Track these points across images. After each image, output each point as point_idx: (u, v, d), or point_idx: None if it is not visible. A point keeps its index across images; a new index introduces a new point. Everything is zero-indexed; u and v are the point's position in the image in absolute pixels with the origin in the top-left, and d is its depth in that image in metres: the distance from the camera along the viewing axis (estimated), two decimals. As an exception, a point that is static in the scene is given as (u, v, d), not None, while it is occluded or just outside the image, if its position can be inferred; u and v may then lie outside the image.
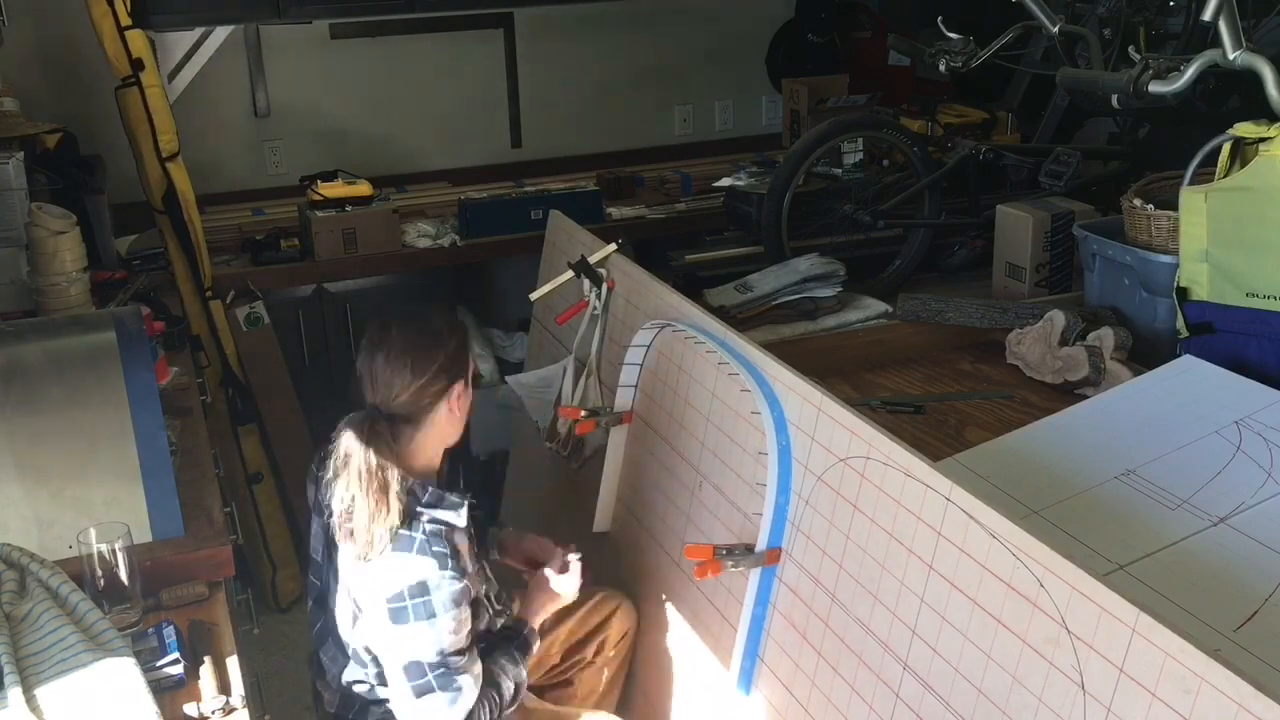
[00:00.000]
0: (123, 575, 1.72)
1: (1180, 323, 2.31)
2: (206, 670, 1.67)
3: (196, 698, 1.63)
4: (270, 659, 2.69)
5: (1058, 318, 2.47)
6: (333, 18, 3.93)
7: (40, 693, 1.49)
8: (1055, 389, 2.43)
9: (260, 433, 3.43)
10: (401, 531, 1.80)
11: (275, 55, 4.00)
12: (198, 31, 3.65)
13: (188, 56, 3.71)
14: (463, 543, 1.88)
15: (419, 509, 1.83)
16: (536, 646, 2.08)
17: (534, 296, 2.52)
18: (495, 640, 2.03)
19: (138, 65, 2.95)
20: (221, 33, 3.69)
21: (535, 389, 2.70)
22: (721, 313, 2.46)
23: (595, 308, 2.60)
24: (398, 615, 1.79)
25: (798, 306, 2.86)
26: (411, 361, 1.84)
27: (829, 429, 1.84)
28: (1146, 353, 2.41)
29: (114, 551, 1.71)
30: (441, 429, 1.91)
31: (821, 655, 1.79)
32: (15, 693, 1.47)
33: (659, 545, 2.32)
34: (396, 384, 1.84)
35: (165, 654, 1.65)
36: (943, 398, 2.44)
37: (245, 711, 1.62)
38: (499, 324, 4.01)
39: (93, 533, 1.71)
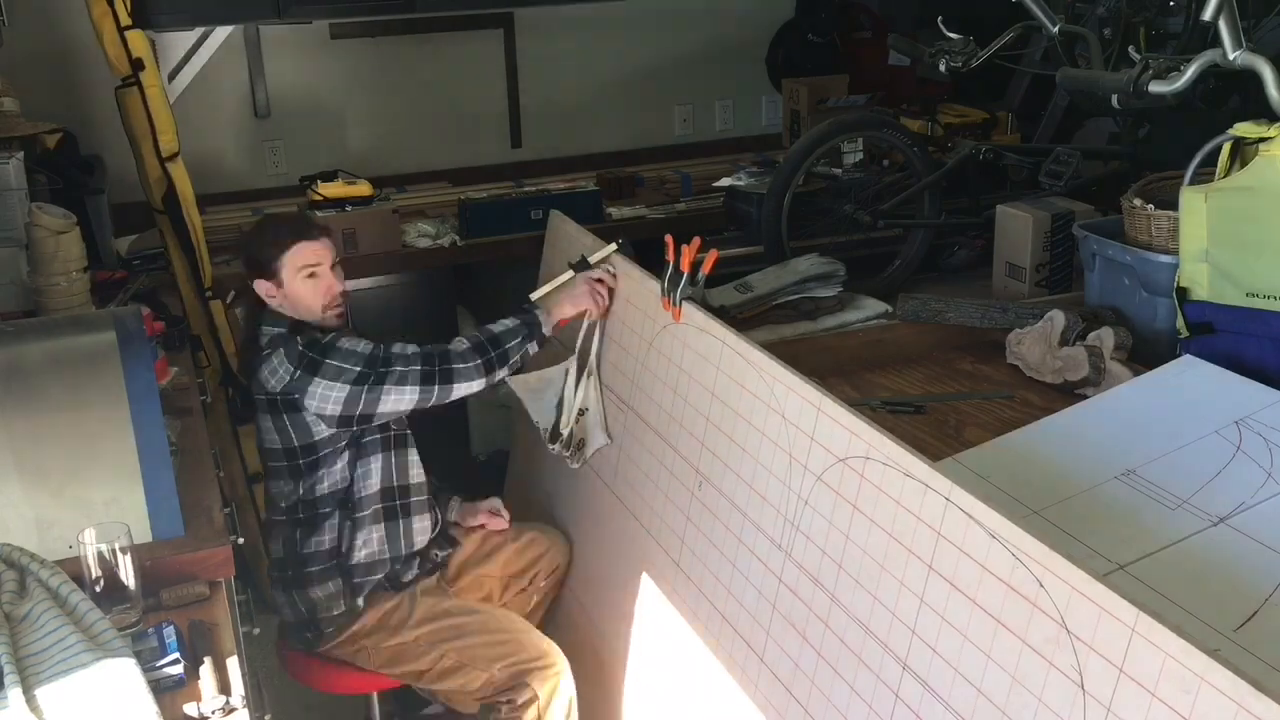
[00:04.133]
0: (123, 575, 1.72)
1: (1180, 323, 2.30)
2: (206, 670, 1.67)
3: (196, 698, 1.62)
4: (270, 659, 2.69)
5: (1058, 318, 2.47)
6: (333, 18, 3.92)
7: (40, 693, 1.48)
8: (1055, 389, 2.43)
9: (260, 433, 3.43)
10: (295, 331, 2.33)
11: (275, 55, 4.00)
12: (198, 31, 3.64)
13: (188, 56, 3.71)
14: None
15: (305, 328, 2.35)
16: (544, 319, 2.47)
17: (534, 296, 2.54)
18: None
19: (138, 65, 2.94)
20: (221, 33, 3.69)
21: (535, 389, 2.71)
22: (721, 313, 2.46)
23: None
24: (311, 368, 2.29)
25: (798, 306, 2.85)
26: (240, 243, 2.54)
27: (829, 429, 1.84)
28: (1146, 353, 2.41)
29: (114, 551, 1.71)
30: (275, 308, 2.38)
31: (821, 655, 1.79)
32: (15, 693, 1.46)
33: (658, 544, 2.32)
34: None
35: (165, 654, 1.65)
36: (943, 398, 2.44)
37: (245, 711, 1.62)
38: (499, 324, 4.00)
39: (93, 533, 1.71)
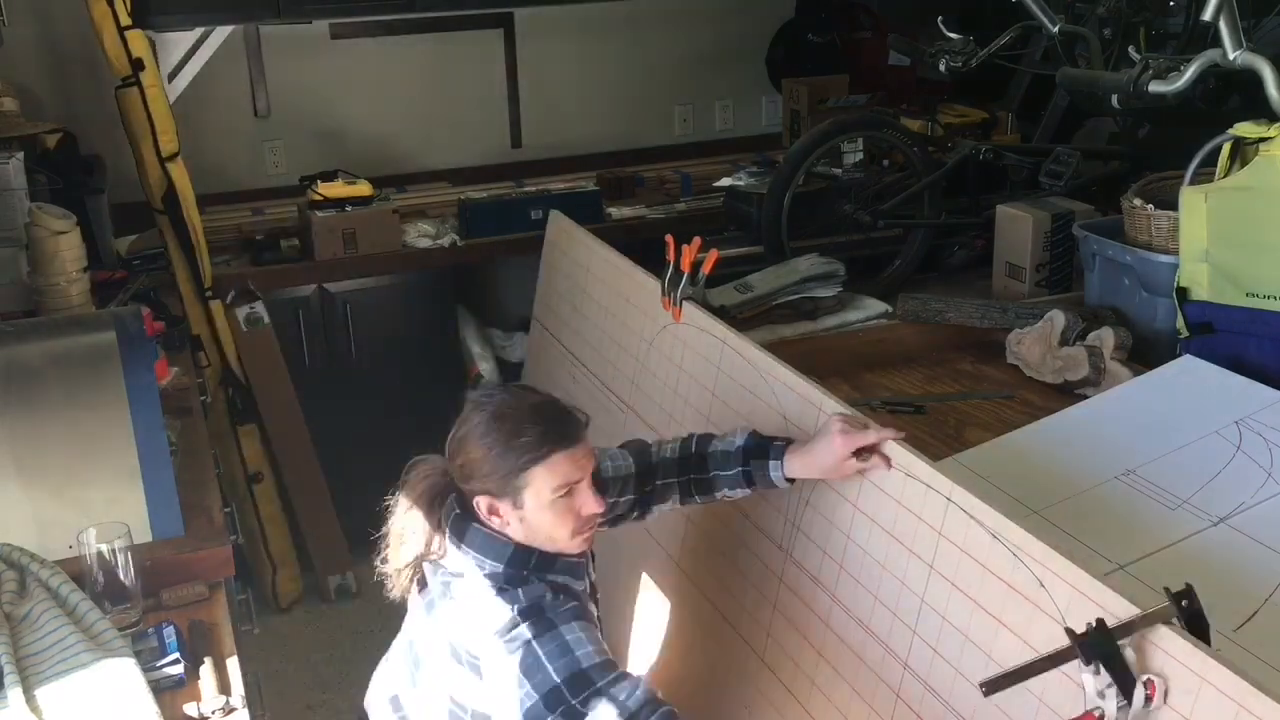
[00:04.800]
0: (123, 575, 1.72)
1: (1180, 323, 2.30)
2: (206, 670, 1.67)
3: (196, 698, 1.62)
4: (270, 659, 2.69)
5: (1058, 318, 2.47)
6: (333, 18, 3.92)
7: (40, 693, 1.49)
8: (1055, 389, 2.43)
9: (260, 433, 3.43)
10: (504, 586, 1.59)
11: (275, 55, 4.00)
12: (198, 31, 3.64)
13: (188, 56, 3.70)
14: (577, 586, 1.66)
15: (524, 573, 1.61)
16: None
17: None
18: None
19: (138, 65, 2.95)
20: (221, 33, 3.68)
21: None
22: (721, 313, 2.46)
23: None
24: (511, 646, 1.54)
25: (798, 306, 2.86)
26: (465, 431, 1.63)
27: (829, 429, 1.84)
28: (1146, 353, 2.41)
29: (114, 551, 1.71)
30: (495, 524, 1.63)
31: (821, 655, 1.79)
32: (15, 693, 1.47)
33: (658, 544, 2.32)
34: (446, 446, 1.66)
35: (165, 654, 1.65)
36: (943, 398, 2.44)
37: (245, 711, 1.62)
38: (499, 324, 4.00)
39: (93, 533, 1.71)
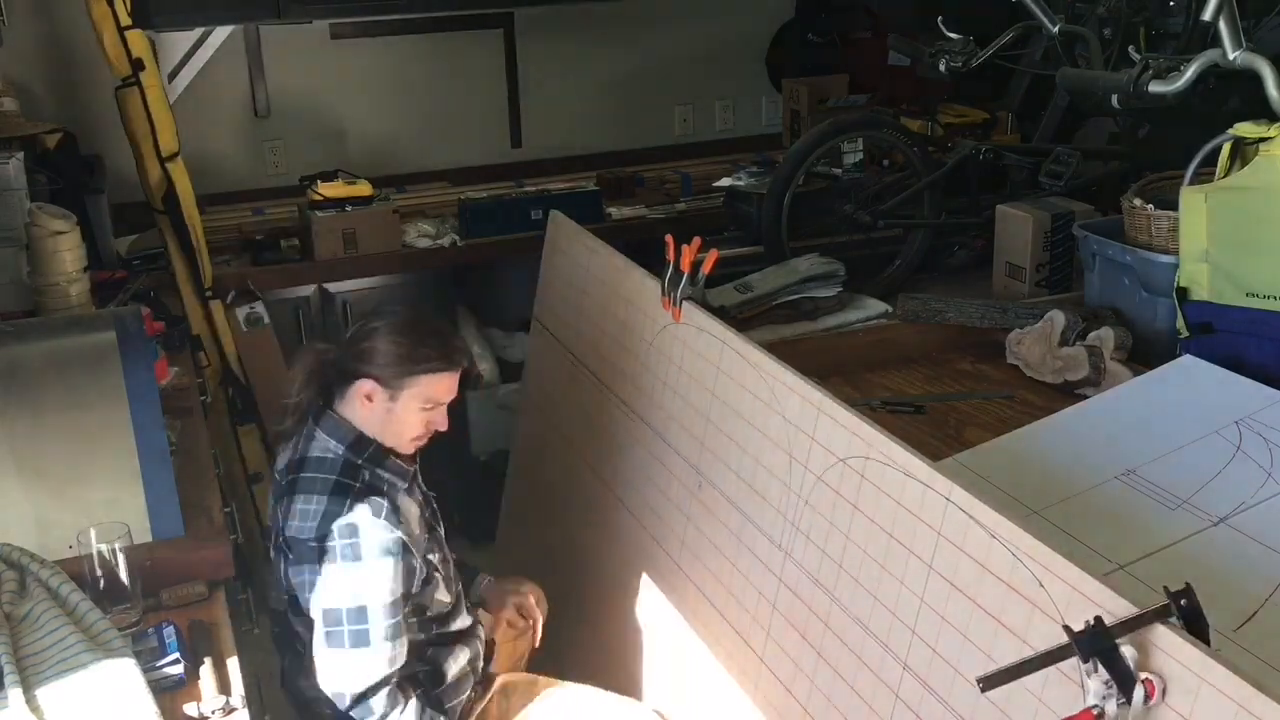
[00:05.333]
0: (123, 575, 1.72)
1: (1180, 323, 2.30)
2: (206, 670, 1.67)
3: (196, 698, 1.63)
4: (270, 659, 2.69)
5: (1058, 318, 2.47)
6: (333, 18, 3.92)
7: (40, 693, 1.49)
8: (1055, 389, 2.43)
9: (260, 433, 3.43)
10: (341, 480, 1.86)
11: (275, 55, 4.00)
12: (198, 31, 3.64)
13: (188, 56, 3.71)
14: (408, 506, 1.92)
15: (359, 462, 1.89)
16: (479, 644, 2.10)
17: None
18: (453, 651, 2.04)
19: (138, 65, 2.95)
20: (221, 33, 3.69)
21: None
22: (721, 313, 2.46)
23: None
24: (326, 553, 1.83)
25: (798, 306, 2.86)
26: (379, 326, 1.92)
27: (829, 429, 1.84)
28: (1146, 353, 2.41)
29: (114, 551, 1.71)
30: (356, 410, 1.92)
31: (821, 655, 1.79)
32: (15, 693, 1.47)
33: (658, 544, 2.32)
34: (359, 327, 1.96)
35: (165, 654, 1.65)
36: (943, 398, 2.44)
37: (245, 711, 1.62)
38: (499, 324, 4.00)
39: (93, 533, 1.71)
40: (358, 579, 1.82)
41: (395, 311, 1.97)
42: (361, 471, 1.89)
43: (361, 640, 1.81)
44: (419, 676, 1.98)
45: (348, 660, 1.82)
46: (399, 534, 1.85)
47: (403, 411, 1.91)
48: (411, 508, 1.93)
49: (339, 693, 1.85)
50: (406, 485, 1.94)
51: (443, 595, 2.00)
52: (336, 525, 1.82)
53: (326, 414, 1.92)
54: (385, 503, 1.86)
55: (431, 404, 1.92)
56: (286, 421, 1.97)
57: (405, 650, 1.88)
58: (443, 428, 1.96)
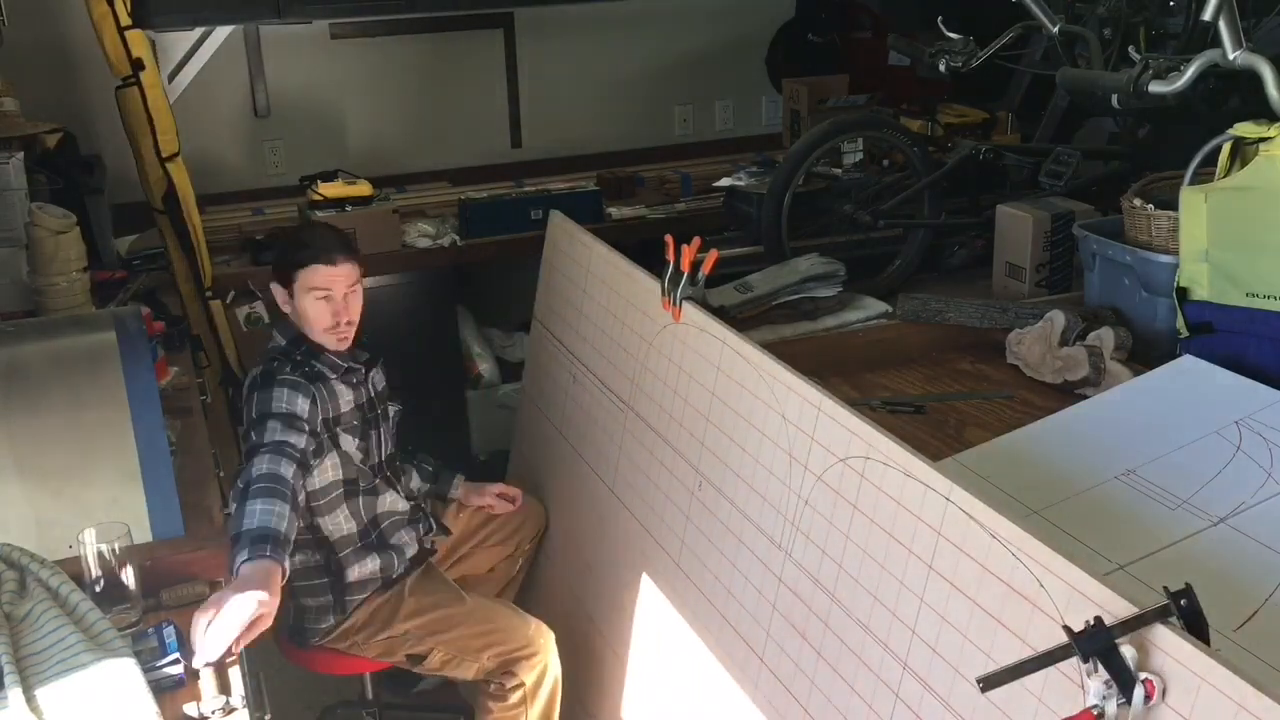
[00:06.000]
0: (123, 575, 1.72)
1: (1180, 323, 2.30)
2: (206, 670, 1.67)
3: (196, 698, 1.62)
4: (270, 659, 2.69)
5: (1058, 318, 2.47)
6: (333, 18, 3.92)
7: (40, 693, 1.49)
8: (1055, 389, 2.43)
9: (260, 433, 3.43)
10: (273, 361, 2.27)
11: (275, 55, 4.00)
12: (198, 31, 3.64)
13: (188, 56, 3.71)
14: (336, 388, 2.32)
15: (296, 352, 2.30)
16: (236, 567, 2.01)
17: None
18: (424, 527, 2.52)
19: (138, 65, 2.94)
20: (221, 33, 3.68)
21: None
22: (721, 313, 2.46)
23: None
24: (246, 398, 2.24)
25: (798, 306, 2.85)
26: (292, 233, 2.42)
27: (829, 429, 1.84)
28: (1146, 353, 2.41)
29: (114, 551, 1.71)
30: (283, 306, 2.35)
31: (821, 655, 1.79)
32: (15, 693, 1.46)
33: (658, 544, 2.33)
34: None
35: (165, 654, 1.65)
36: (943, 398, 2.44)
37: (245, 711, 1.62)
38: (499, 324, 4.01)
39: (93, 533, 1.71)
40: (262, 399, 2.19)
41: (292, 229, 2.46)
42: (294, 356, 2.29)
43: (251, 451, 2.10)
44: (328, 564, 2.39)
45: (246, 465, 2.09)
46: (310, 387, 2.23)
47: (302, 304, 2.30)
48: (344, 392, 2.34)
49: (236, 486, 2.07)
50: (338, 376, 2.33)
51: (332, 475, 2.33)
52: (258, 371, 2.25)
53: (276, 321, 2.42)
54: (307, 369, 2.27)
55: (322, 293, 2.28)
56: None
57: (291, 477, 2.08)
58: (347, 317, 2.31)
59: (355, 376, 2.39)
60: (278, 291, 2.33)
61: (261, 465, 2.05)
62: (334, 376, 2.33)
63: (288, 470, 2.06)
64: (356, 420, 2.38)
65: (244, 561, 1.84)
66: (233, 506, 2.02)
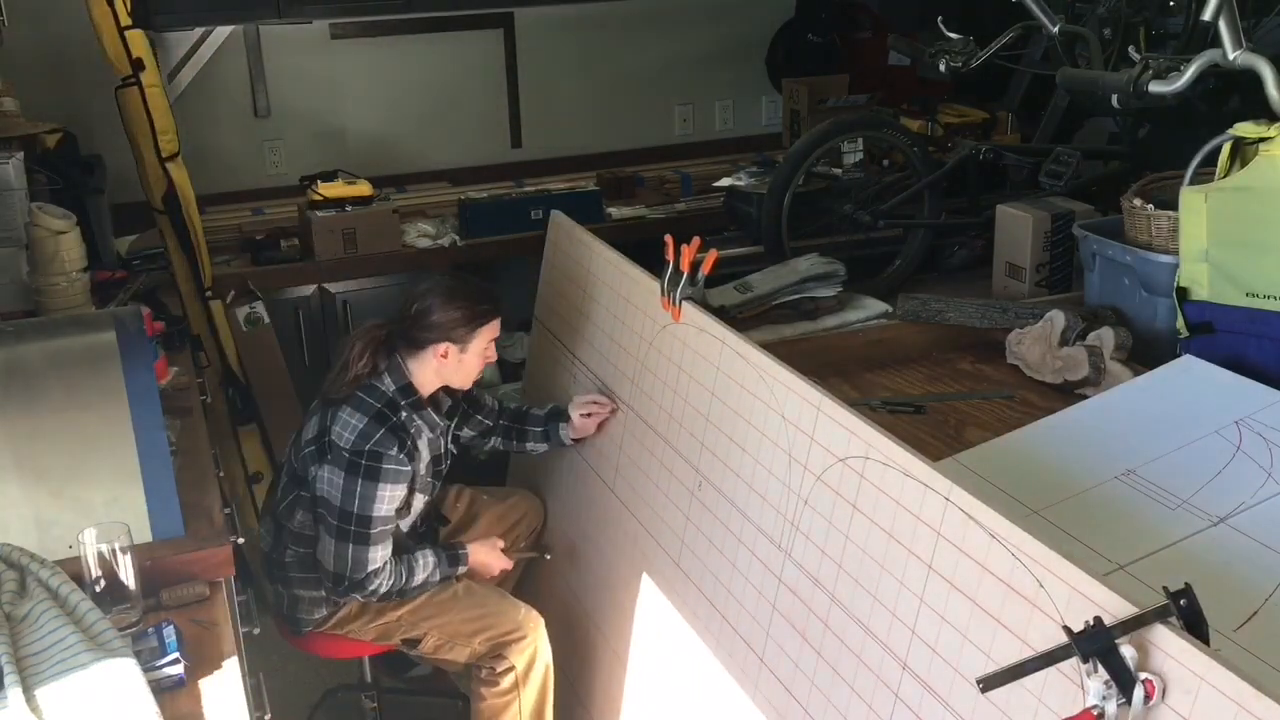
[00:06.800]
0: (123, 575, 1.72)
1: (1180, 323, 2.30)
2: (206, 670, 1.67)
3: (196, 698, 1.62)
4: (270, 659, 2.69)
5: (1058, 318, 2.47)
6: (333, 18, 3.93)
7: (40, 693, 1.48)
8: (1055, 389, 2.43)
9: (260, 433, 3.43)
10: (384, 410, 2.30)
11: (275, 55, 4.00)
12: (198, 31, 3.64)
13: (188, 56, 3.71)
14: (424, 450, 2.39)
15: (403, 402, 2.33)
16: (461, 570, 2.50)
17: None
18: (432, 539, 2.59)
19: (138, 65, 2.94)
20: (221, 33, 3.69)
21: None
22: (721, 313, 2.46)
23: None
24: (351, 465, 2.27)
25: (798, 306, 2.86)
26: (433, 301, 2.34)
27: (829, 429, 1.84)
28: (1146, 353, 2.41)
29: (114, 551, 1.71)
30: (429, 365, 2.37)
31: (821, 655, 1.79)
32: (15, 693, 1.46)
33: (658, 544, 2.32)
34: (414, 306, 2.35)
35: (165, 654, 1.65)
36: (943, 398, 2.44)
37: (245, 712, 1.62)
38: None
39: (93, 533, 1.71)
40: (369, 494, 2.27)
41: (440, 283, 2.41)
42: (401, 410, 2.33)
43: (363, 540, 2.29)
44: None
45: (350, 552, 2.30)
46: (409, 468, 2.32)
47: (471, 358, 2.38)
48: (425, 452, 2.39)
49: (339, 574, 2.32)
50: (433, 435, 2.42)
51: (404, 527, 2.44)
52: (367, 447, 2.27)
53: (394, 359, 2.36)
54: (409, 441, 2.32)
55: (490, 346, 2.41)
56: (344, 376, 2.35)
57: (389, 548, 2.35)
58: (494, 359, 2.46)
59: (439, 431, 2.46)
60: (444, 349, 2.34)
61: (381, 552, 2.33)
62: (428, 435, 2.39)
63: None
64: (430, 477, 2.45)
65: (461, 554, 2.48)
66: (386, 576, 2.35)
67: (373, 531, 2.30)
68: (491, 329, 2.39)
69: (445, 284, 2.41)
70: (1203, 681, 1.20)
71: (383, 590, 2.36)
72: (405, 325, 2.36)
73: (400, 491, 2.32)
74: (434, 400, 2.44)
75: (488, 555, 2.55)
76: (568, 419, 2.62)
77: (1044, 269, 2.92)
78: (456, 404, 2.54)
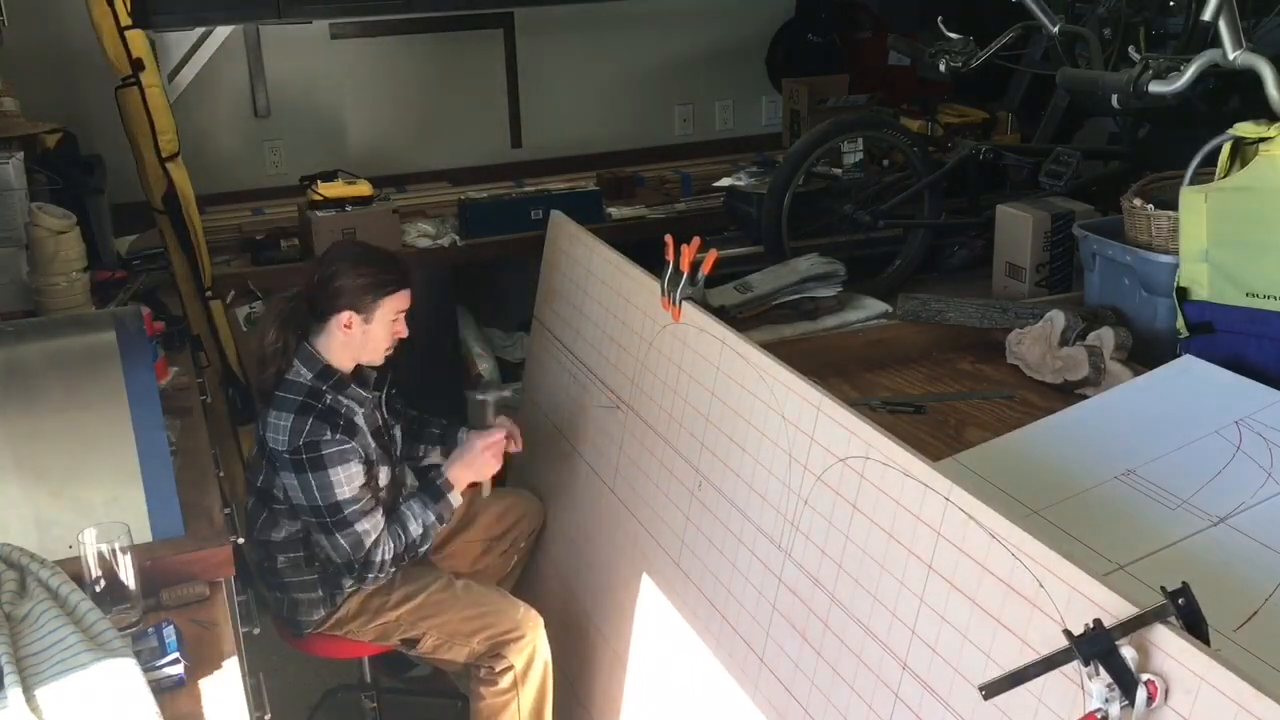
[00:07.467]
0: (123, 575, 1.72)
1: (1180, 323, 2.31)
2: (206, 670, 1.67)
3: (196, 698, 1.62)
4: (270, 659, 2.69)
5: (1058, 318, 2.47)
6: (333, 18, 3.92)
7: (40, 693, 1.48)
8: (1055, 389, 2.43)
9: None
10: (307, 401, 2.29)
11: (275, 55, 4.00)
12: (198, 31, 3.64)
13: (188, 56, 3.71)
14: (362, 424, 2.35)
15: (324, 388, 2.31)
16: (453, 497, 2.47)
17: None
18: (409, 491, 2.54)
19: (138, 65, 2.94)
20: (221, 33, 3.68)
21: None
22: (721, 313, 2.46)
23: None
24: (297, 465, 2.27)
25: (798, 306, 2.86)
26: (339, 266, 2.32)
27: (829, 429, 1.84)
28: (1146, 353, 2.41)
29: (114, 551, 1.71)
30: (335, 338, 2.33)
31: (821, 655, 1.79)
32: (15, 693, 1.46)
33: (658, 544, 2.32)
34: (320, 272, 2.33)
35: (165, 654, 1.65)
36: (943, 398, 2.44)
37: (245, 712, 1.62)
38: (499, 324, 4.00)
39: (93, 533, 1.71)
40: (324, 483, 2.27)
41: (348, 250, 2.43)
42: (325, 395, 2.31)
43: (344, 525, 2.30)
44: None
45: (341, 539, 2.30)
46: (352, 443, 2.29)
47: (376, 329, 2.34)
48: (365, 427, 2.36)
49: (347, 562, 2.33)
50: (365, 410, 2.38)
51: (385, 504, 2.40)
52: (302, 441, 2.26)
53: (302, 346, 2.33)
54: (340, 421, 2.29)
55: (396, 318, 2.35)
56: (268, 369, 2.35)
57: (379, 517, 2.35)
58: (404, 335, 2.39)
59: (370, 404, 2.42)
60: (347, 319, 2.31)
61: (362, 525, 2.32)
62: (360, 411, 2.36)
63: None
64: (377, 450, 2.41)
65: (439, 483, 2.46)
66: (382, 554, 2.34)
67: (347, 514, 2.29)
68: (397, 300, 2.34)
69: (353, 251, 2.42)
70: (1203, 682, 1.20)
71: (389, 557, 2.35)
72: (312, 290, 2.33)
73: (356, 469, 2.30)
74: (360, 376, 2.41)
75: (465, 469, 2.48)
76: (466, 430, 2.64)
77: (1044, 269, 2.92)
78: (384, 375, 2.49)
